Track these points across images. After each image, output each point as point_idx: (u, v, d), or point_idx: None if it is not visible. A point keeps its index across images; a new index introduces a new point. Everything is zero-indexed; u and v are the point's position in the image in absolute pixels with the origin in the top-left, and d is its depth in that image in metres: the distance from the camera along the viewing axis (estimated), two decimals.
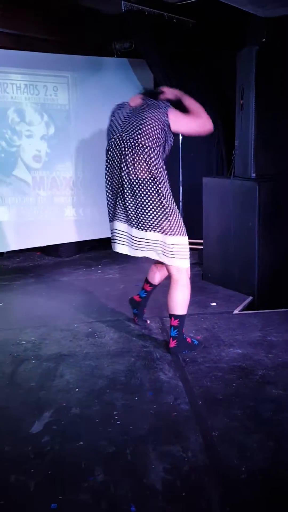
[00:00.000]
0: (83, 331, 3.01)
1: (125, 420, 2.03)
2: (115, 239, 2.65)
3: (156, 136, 2.42)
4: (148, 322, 3.07)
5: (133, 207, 2.48)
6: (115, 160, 2.51)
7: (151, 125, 2.41)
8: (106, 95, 4.43)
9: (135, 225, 2.50)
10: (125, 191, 2.48)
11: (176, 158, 4.20)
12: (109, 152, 2.55)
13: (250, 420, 2.01)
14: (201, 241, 4.03)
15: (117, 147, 2.48)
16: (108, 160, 2.56)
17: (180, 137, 4.31)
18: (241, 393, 2.22)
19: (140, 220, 2.47)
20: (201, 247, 4.09)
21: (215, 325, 3.04)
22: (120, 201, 2.55)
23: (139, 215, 2.47)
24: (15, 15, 4.24)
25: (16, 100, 4.36)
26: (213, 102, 4.38)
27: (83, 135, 4.66)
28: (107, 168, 2.58)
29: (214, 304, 3.42)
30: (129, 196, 2.48)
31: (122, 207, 2.54)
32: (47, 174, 4.59)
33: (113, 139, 2.51)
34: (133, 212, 2.49)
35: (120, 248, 2.64)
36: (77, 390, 2.29)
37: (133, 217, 2.50)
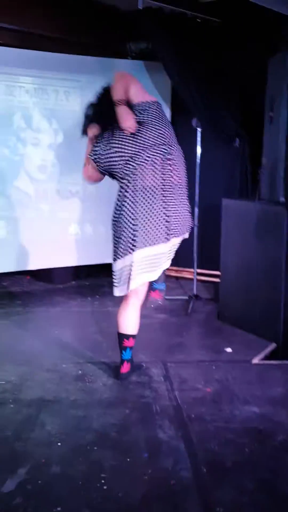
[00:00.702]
0: (71, 373, 3.01)
1: (113, 484, 2.01)
2: (145, 267, 2.78)
3: (167, 124, 2.82)
4: (144, 365, 3.09)
5: (177, 213, 2.80)
6: (149, 176, 2.74)
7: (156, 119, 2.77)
8: None
9: (177, 233, 2.79)
10: (170, 200, 2.77)
11: (193, 175, 4.24)
12: (138, 172, 2.73)
13: (265, 496, 1.97)
14: (218, 273, 4.03)
15: (151, 162, 2.73)
16: (139, 181, 2.74)
17: (198, 150, 4.37)
18: (255, 462, 2.18)
19: (182, 224, 2.82)
20: (218, 280, 4.09)
21: (229, 376, 3.01)
22: (161, 218, 2.75)
23: (182, 218, 2.82)
24: (22, 10, 4.43)
25: (24, 105, 4.50)
26: (238, 112, 4.46)
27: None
28: (141, 189, 2.74)
29: (229, 350, 3.41)
30: (173, 204, 2.78)
31: (164, 222, 2.76)
32: (51, 187, 4.70)
33: (138, 159, 2.73)
34: (177, 219, 2.79)
35: (149, 275, 2.82)
36: (59, 444, 2.29)
37: (177, 224, 2.80)
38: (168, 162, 2.75)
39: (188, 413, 2.57)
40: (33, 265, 4.75)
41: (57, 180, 4.70)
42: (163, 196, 2.75)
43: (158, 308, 3.38)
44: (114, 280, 2.87)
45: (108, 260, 4.77)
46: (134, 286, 2.79)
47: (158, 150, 2.73)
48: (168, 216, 2.75)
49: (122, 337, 2.91)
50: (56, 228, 4.75)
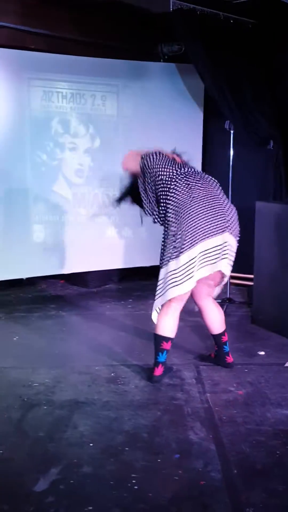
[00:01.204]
0: (104, 375, 3.08)
1: (144, 485, 2.05)
2: (208, 259, 2.85)
3: None
4: (174, 367, 3.12)
5: (231, 212, 2.96)
6: (197, 180, 2.97)
7: None
8: (154, 106, 4.70)
9: (233, 230, 2.94)
10: (222, 200, 2.99)
11: (226, 177, 4.26)
12: (188, 178, 2.97)
13: None
14: (251, 276, 4.03)
15: (194, 172, 3.02)
16: (192, 183, 2.94)
17: (231, 152, 4.39)
18: (286, 465, 2.18)
19: (235, 223, 2.96)
20: (251, 283, 4.08)
21: (262, 379, 3.02)
22: (218, 211, 2.90)
23: (235, 218, 2.98)
24: (56, 16, 4.57)
25: (61, 110, 4.65)
26: (272, 114, 4.44)
27: (131, 149, 4.85)
28: (195, 190, 2.92)
29: (262, 353, 3.40)
30: (226, 203, 2.98)
31: (221, 216, 2.90)
32: (89, 191, 4.81)
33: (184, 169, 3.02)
34: (230, 217, 2.94)
35: (211, 267, 2.88)
36: (91, 445, 2.34)
37: (232, 222, 2.95)
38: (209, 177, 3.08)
39: (220, 415, 2.59)
40: (68, 269, 4.87)
41: (94, 184, 4.81)
42: (222, 201, 2.95)
43: (191, 311, 3.41)
44: (172, 280, 2.87)
45: (141, 263, 4.87)
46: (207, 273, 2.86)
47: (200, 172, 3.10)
48: (226, 214, 2.91)
49: (160, 339, 2.94)
50: (92, 232, 4.85)
